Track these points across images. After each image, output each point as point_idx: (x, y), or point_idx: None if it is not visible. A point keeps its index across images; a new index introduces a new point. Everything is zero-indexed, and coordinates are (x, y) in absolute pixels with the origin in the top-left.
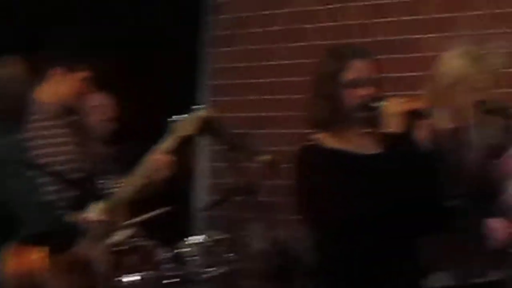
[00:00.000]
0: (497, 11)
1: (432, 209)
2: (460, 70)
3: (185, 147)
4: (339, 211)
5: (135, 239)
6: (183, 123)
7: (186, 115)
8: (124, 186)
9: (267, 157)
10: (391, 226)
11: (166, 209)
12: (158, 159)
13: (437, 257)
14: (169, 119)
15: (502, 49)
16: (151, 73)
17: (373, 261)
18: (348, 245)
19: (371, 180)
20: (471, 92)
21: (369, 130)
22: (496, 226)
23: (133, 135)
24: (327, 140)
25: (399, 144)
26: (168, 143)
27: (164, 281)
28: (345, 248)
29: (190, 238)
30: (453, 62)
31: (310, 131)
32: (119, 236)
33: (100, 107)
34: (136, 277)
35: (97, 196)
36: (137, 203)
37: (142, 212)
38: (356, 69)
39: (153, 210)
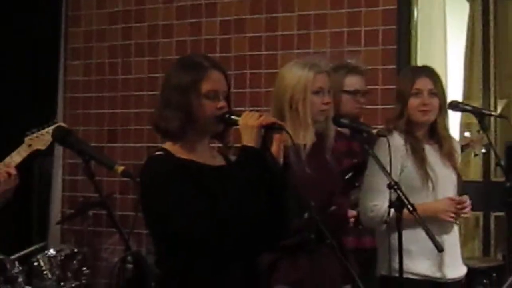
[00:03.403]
0: (353, 29)
1: (276, 223)
2: (292, 77)
3: (40, 160)
4: (180, 223)
5: None
6: (35, 137)
7: (40, 129)
8: None
9: (121, 167)
10: (231, 238)
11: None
12: (2, 171)
13: (280, 270)
14: (27, 132)
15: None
16: (10, 85)
17: (214, 275)
18: (188, 259)
19: (216, 192)
20: (309, 100)
21: (221, 142)
22: (353, 214)
23: None
24: (176, 151)
25: (251, 158)
26: (16, 156)
27: None
28: (185, 263)
29: (44, 251)
30: (286, 73)
31: (161, 145)
32: None
33: None
34: None
35: None
36: None
37: None
38: (214, 80)
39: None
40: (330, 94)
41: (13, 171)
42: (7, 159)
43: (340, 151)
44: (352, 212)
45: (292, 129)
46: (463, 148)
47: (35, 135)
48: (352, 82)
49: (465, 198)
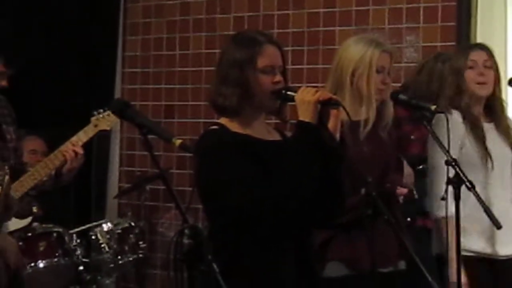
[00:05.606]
0: (411, 5)
1: (331, 199)
2: (357, 52)
3: (98, 135)
4: (233, 199)
5: (43, 225)
6: (101, 118)
7: (106, 109)
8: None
9: (179, 140)
10: (285, 215)
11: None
12: (70, 150)
13: (335, 246)
14: (93, 111)
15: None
16: (69, 60)
17: (267, 249)
18: (241, 233)
19: (272, 167)
20: (373, 77)
21: (278, 118)
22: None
23: (51, 121)
24: (232, 126)
25: (307, 133)
26: (83, 135)
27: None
28: (238, 238)
29: (101, 225)
30: (350, 47)
31: (217, 121)
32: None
33: None
34: (46, 264)
35: None
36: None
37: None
38: (269, 55)
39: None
40: (390, 75)
41: (80, 150)
42: (74, 138)
43: (425, 136)
44: (402, 190)
45: (351, 104)
46: None
47: (101, 115)
48: None
49: None
